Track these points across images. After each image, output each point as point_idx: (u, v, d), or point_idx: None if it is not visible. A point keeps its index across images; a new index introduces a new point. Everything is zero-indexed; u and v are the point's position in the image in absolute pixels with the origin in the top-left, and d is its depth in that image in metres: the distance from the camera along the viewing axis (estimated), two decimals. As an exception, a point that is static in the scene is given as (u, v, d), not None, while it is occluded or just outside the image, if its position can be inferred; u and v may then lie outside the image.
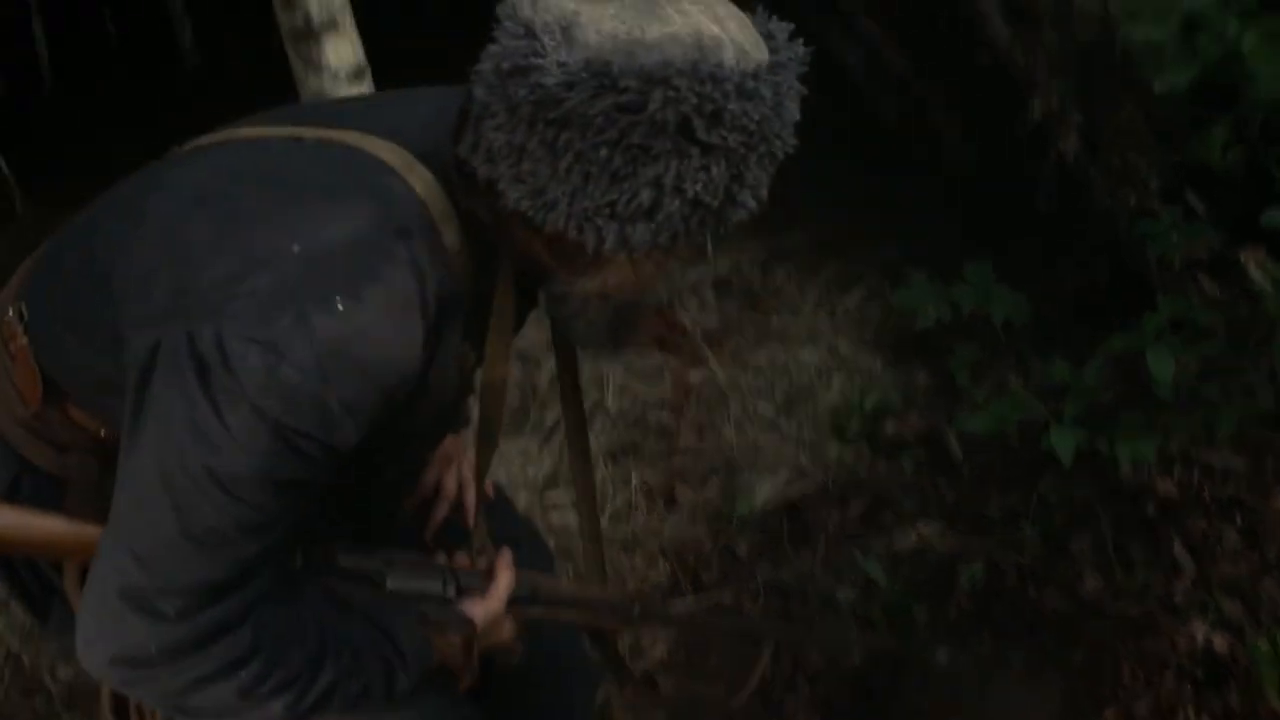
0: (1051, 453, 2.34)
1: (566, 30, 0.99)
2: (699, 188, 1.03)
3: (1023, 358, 2.78)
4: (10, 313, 1.25)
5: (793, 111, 1.06)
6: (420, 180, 1.14)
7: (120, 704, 1.37)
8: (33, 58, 5.34)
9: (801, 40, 1.07)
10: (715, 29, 1.01)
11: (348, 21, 2.35)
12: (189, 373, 1.03)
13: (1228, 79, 2.38)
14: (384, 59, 2.58)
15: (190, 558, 1.07)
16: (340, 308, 1.05)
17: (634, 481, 2.73)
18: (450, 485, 1.59)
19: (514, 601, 1.37)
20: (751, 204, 1.09)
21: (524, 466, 2.83)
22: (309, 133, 1.19)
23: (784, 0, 1.18)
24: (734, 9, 1.06)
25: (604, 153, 1.00)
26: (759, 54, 1.03)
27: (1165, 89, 2.10)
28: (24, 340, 1.23)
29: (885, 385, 2.94)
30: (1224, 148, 2.54)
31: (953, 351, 2.82)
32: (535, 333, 1.63)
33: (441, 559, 1.37)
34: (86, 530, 1.20)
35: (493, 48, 1.04)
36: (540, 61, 0.99)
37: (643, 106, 0.98)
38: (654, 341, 1.35)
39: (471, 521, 1.48)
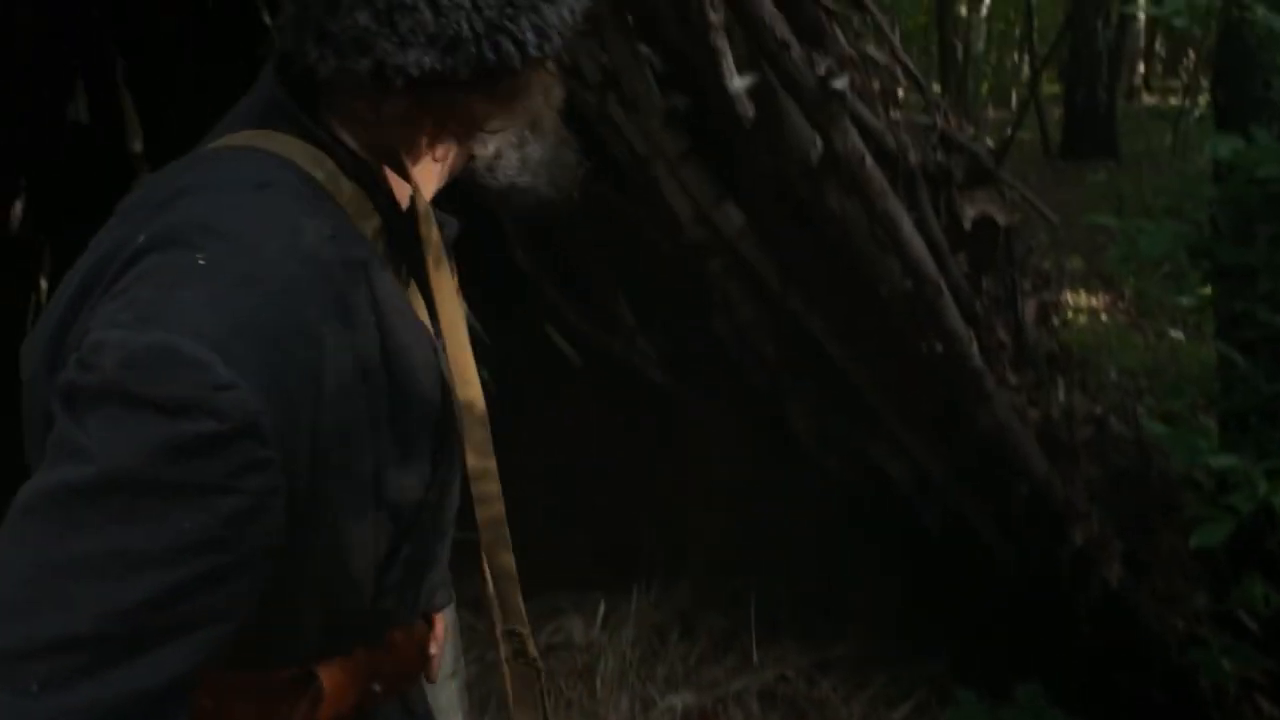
0: None
1: None
2: None
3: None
4: None
5: None
6: (275, 142, 0.99)
7: None
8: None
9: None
10: None
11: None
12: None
13: (1259, 530, 2.46)
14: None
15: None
16: (201, 261, 0.87)
17: None
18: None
19: None
20: None
21: None
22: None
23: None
24: None
25: None
26: None
27: (1199, 545, 2.18)
28: None
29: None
30: (1265, 599, 2.59)
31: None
32: None
33: None
34: None
35: None
36: None
37: None
38: None
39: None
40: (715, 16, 2.20)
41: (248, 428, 0.83)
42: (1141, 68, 17.75)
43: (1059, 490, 2.66)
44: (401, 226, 1.03)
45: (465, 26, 0.91)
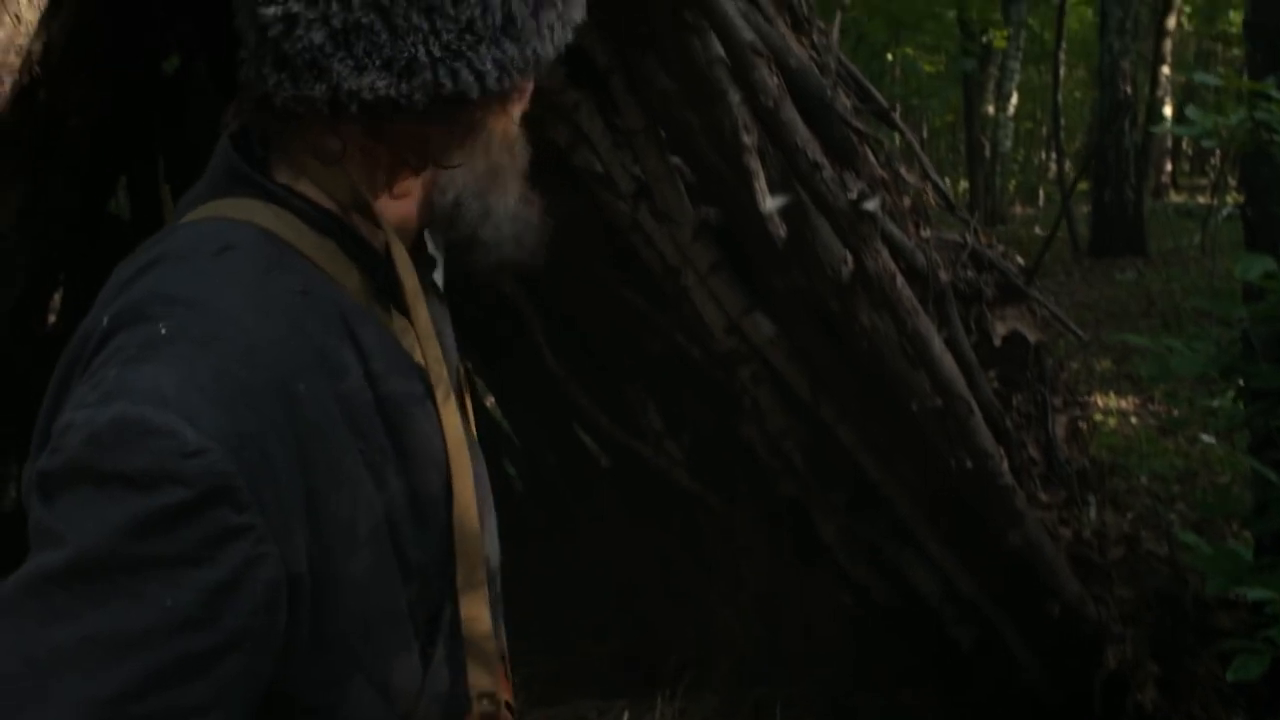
0: None
1: None
2: None
3: None
4: None
5: None
6: (236, 208, 0.97)
7: None
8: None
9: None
10: None
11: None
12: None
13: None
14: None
15: None
16: (163, 331, 0.85)
17: None
18: None
19: None
20: None
21: None
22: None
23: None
24: None
25: None
26: None
27: (1236, 678, 2.14)
28: None
29: None
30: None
31: None
32: None
33: None
34: None
35: None
36: None
37: None
38: None
39: None
40: (748, 138, 2.23)
41: (220, 492, 0.80)
42: (1169, 165, 17.84)
43: (1091, 611, 2.63)
44: (381, 272, 1.01)
45: (422, 51, 0.90)
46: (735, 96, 2.26)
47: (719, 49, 2.28)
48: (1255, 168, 3.36)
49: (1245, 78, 3.31)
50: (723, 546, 3.71)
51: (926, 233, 2.54)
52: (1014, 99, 15.49)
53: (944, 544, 3.05)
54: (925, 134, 19.28)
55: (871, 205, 2.20)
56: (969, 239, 2.63)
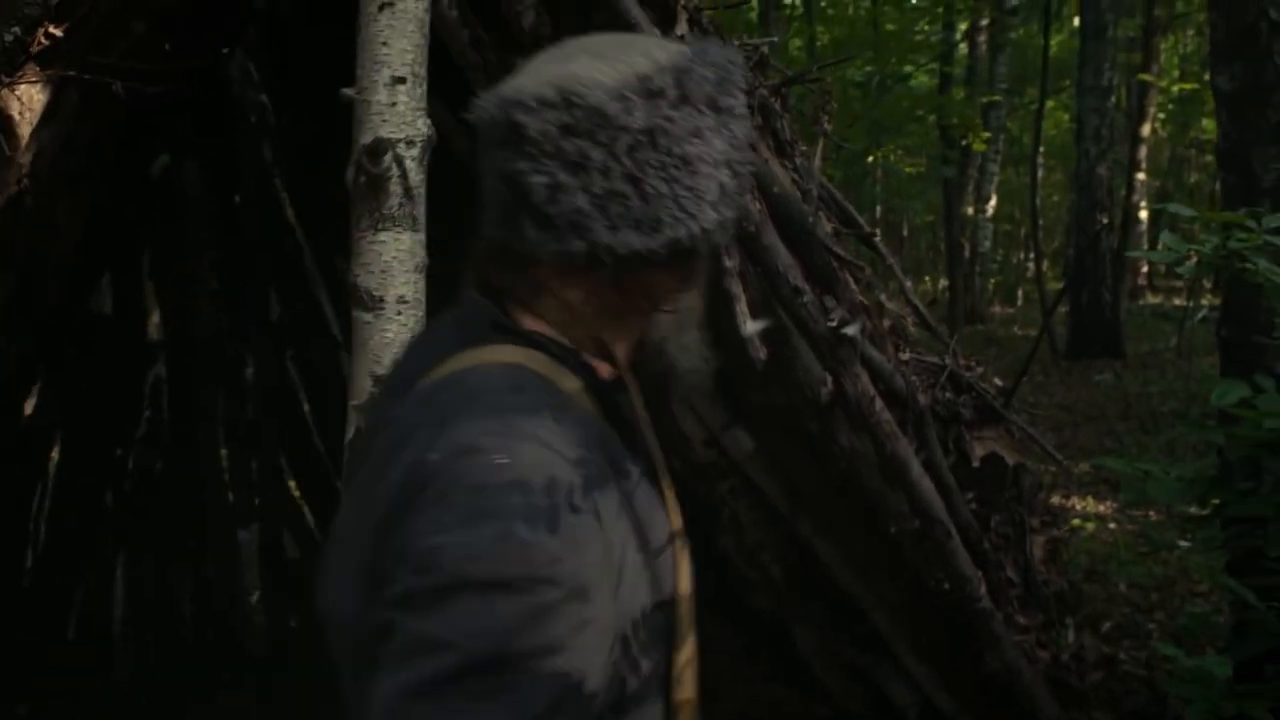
0: None
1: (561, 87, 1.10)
2: (735, 154, 1.12)
3: None
4: None
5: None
6: (497, 353, 1.12)
7: None
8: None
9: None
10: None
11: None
12: None
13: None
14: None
15: None
16: (499, 461, 1.01)
17: None
18: None
19: None
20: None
21: None
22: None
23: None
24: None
25: (681, 148, 1.09)
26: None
27: None
28: None
29: None
30: None
31: None
32: None
33: None
34: None
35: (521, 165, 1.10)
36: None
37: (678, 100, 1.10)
38: None
39: None
40: (730, 262, 2.25)
41: (580, 591, 0.97)
42: (1145, 267, 18.06)
43: (1073, 735, 2.61)
44: (611, 404, 1.17)
45: (665, 213, 1.08)
46: (718, 221, 2.29)
47: (702, 174, 2.31)
48: (1230, 291, 3.41)
49: (1220, 201, 3.38)
50: (700, 658, 3.67)
51: (906, 355, 2.56)
52: (993, 200, 15.71)
53: (921, 659, 3.03)
54: (906, 233, 19.53)
55: (852, 330, 2.23)
56: (948, 361, 2.65)
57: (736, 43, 2.87)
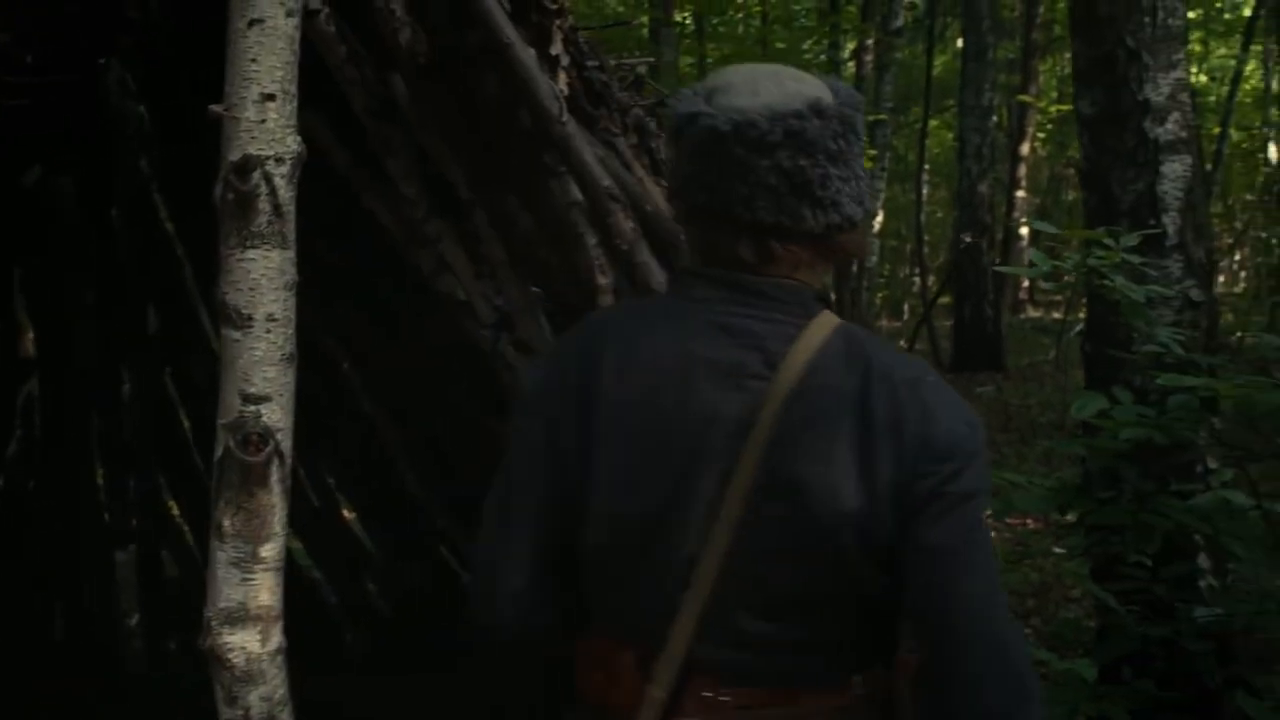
0: None
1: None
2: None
3: None
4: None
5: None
6: (832, 319, 1.50)
7: None
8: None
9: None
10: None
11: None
12: None
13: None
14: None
15: None
16: (931, 380, 1.53)
17: None
18: None
19: None
20: None
21: None
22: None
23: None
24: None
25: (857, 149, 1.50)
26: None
27: None
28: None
29: None
30: None
31: None
32: None
33: None
34: None
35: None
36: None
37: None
38: None
39: None
40: (604, 280, 2.28)
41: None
42: (1026, 282, 18.57)
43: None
44: None
45: (864, 191, 1.49)
46: (592, 239, 2.32)
47: (577, 193, 2.34)
48: (1094, 306, 3.55)
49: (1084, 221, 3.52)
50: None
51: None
52: (880, 216, 16.02)
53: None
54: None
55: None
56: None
57: (614, 61, 2.91)
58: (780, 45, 14.11)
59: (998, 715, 1.37)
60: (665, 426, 1.44)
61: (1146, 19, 3.40)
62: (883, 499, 1.39)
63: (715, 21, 14.47)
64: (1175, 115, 3.43)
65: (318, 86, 2.82)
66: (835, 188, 1.43)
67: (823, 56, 14.46)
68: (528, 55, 2.33)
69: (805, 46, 14.45)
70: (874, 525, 1.39)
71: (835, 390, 1.42)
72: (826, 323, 1.46)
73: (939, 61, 15.74)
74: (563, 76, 2.42)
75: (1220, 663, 3.00)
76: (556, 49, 2.40)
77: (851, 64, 15.61)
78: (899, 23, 12.97)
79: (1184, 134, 3.45)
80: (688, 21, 14.45)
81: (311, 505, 4.92)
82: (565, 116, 2.30)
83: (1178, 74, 3.44)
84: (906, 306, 19.37)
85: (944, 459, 1.40)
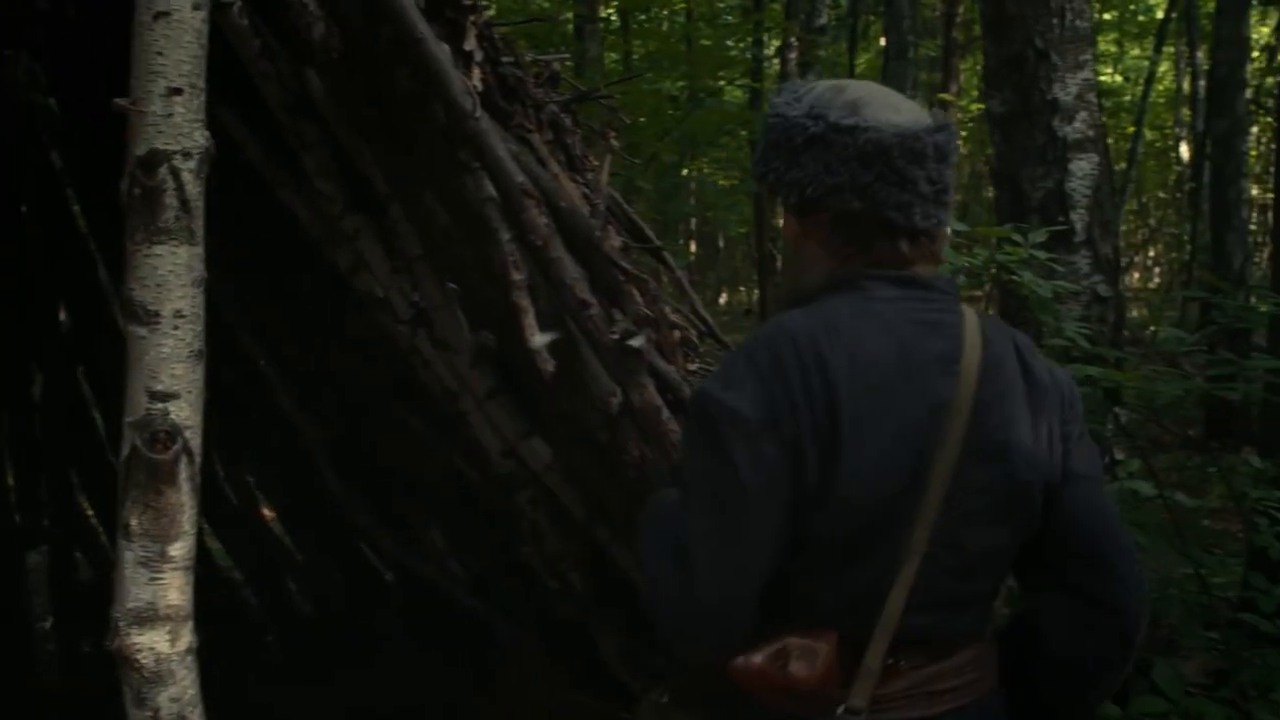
0: None
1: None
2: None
3: None
4: None
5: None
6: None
7: None
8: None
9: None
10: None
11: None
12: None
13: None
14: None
15: None
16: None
17: None
18: None
19: None
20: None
21: None
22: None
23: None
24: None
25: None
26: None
27: None
28: None
29: None
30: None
31: None
32: None
33: None
34: None
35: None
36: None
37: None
38: None
39: None
40: (518, 275, 2.29)
41: None
42: (948, 278, 18.77)
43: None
44: None
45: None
46: (506, 234, 2.32)
47: (491, 189, 2.34)
48: (1006, 302, 3.63)
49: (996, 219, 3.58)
50: (512, 675, 3.69)
51: (694, 366, 2.63)
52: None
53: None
54: (722, 244, 19.87)
55: (637, 342, 2.28)
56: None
57: (530, 58, 2.91)
58: (706, 42, 14.15)
59: (1136, 607, 1.67)
60: (901, 419, 1.56)
61: (1055, 20, 3.48)
62: (1056, 447, 1.67)
63: (640, 18, 14.48)
64: (1083, 114, 3.52)
65: (232, 81, 2.80)
66: (950, 192, 1.66)
67: (748, 54, 14.53)
68: (440, 51, 2.32)
69: (730, 43, 14.50)
70: (1053, 471, 1.66)
71: (1007, 361, 1.66)
72: (966, 307, 1.68)
73: (862, 60, 15.89)
74: (476, 72, 2.42)
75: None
76: (470, 44, 2.40)
77: (776, 61, 15.72)
78: (822, 21, 13.07)
79: (1091, 133, 3.53)
80: (613, 18, 14.45)
81: (231, 505, 4.87)
82: (479, 112, 2.30)
83: (1085, 74, 3.53)
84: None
85: (1075, 402, 1.73)
